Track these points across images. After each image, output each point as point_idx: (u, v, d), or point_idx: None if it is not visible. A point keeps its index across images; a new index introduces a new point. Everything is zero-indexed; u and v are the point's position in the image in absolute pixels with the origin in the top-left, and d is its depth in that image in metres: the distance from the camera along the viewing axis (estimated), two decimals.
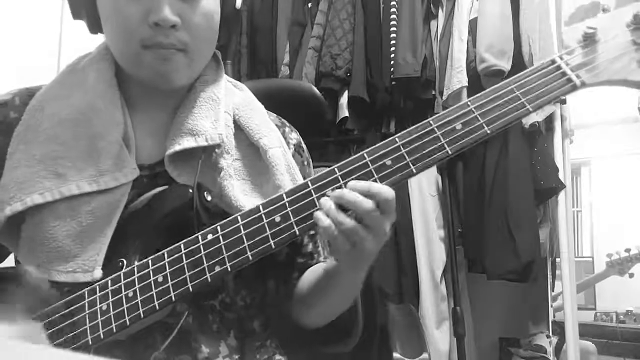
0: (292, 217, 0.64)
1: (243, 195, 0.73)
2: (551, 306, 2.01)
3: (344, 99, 2.13)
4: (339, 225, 0.62)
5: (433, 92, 2.05)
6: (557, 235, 1.96)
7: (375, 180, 0.64)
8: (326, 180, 0.65)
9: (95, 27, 0.77)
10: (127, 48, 0.72)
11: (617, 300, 3.93)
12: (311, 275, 0.81)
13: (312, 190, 0.65)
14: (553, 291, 2.08)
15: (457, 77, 1.97)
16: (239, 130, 0.78)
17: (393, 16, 2.09)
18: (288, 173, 0.76)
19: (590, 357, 2.56)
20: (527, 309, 2.21)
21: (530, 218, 1.92)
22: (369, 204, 0.62)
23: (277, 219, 0.64)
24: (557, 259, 2.08)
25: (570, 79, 0.65)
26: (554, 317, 2.08)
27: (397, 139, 0.65)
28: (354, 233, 0.63)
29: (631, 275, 2.78)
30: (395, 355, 2.17)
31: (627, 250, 2.77)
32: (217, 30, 0.77)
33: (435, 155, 0.64)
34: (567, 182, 1.96)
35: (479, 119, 0.64)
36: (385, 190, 0.63)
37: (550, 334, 2.06)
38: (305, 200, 0.64)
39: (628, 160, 4.61)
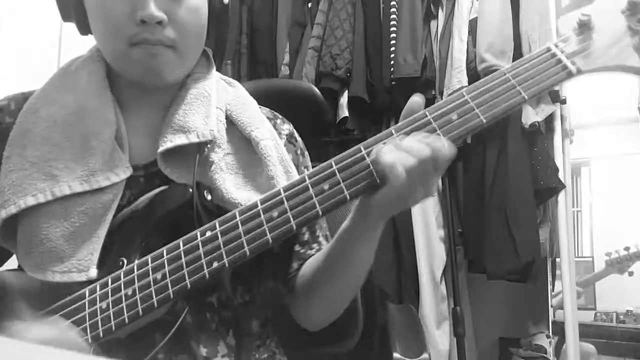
0: (289, 212, 0.64)
1: (235, 188, 0.73)
2: (551, 306, 2.01)
3: (344, 99, 2.13)
4: (400, 159, 0.60)
5: (433, 92, 2.05)
6: (557, 235, 1.96)
7: (371, 173, 0.63)
8: (323, 174, 0.65)
9: (84, 28, 0.77)
10: (115, 47, 0.72)
11: (617, 300, 3.93)
12: (316, 259, 0.79)
13: (309, 185, 0.65)
14: (553, 291, 2.08)
15: (457, 77, 1.98)
16: (231, 124, 0.78)
17: (393, 16, 2.10)
18: (281, 164, 0.76)
19: (590, 358, 2.56)
20: (527, 309, 2.21)
21: (530, 218, 1.91)
22: (427, 151, 0.61)
23: (275, 214, 0.64)
24: (557, 259, 2.08)
25: (565, 66, 0.64)
26: (554, 317, 2.08)
27: (393, 131, 0.65)
28: (414, 173, 0.60)
29: (631, 274, 2.78)
30: (395, 355, 2.17)
31: (627, 248, 2.77)
32: (204, 26, 0.77)
33: None
34: (567, 182, 1.96)
35: (474, 108, 0.64)
36: (442, 144, 0.61)
37: (550, 334, 2.06)
38: (303, 195, 0.64)
39: (628, 160, 4.61)
